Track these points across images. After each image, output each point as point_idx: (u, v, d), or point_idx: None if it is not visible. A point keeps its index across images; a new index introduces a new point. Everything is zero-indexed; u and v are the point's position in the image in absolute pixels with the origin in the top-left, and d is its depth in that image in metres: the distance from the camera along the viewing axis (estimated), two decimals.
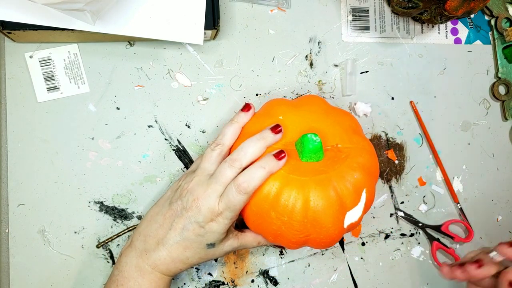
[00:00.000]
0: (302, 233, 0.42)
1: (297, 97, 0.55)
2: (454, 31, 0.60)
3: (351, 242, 0.55)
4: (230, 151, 0.45)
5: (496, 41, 0.61)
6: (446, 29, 0.60)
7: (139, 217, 0.51)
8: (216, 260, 0.52)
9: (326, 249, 0.54)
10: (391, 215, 0.57)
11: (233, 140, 0.45)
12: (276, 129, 0.43)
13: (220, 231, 0.42)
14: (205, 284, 0.52)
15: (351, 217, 0.43)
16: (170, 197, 0.45)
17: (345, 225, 0.43)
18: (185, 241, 0.42)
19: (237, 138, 0.45)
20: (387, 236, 0.56)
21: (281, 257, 0.53)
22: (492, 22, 0.61)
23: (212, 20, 0.50)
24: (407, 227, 0.57)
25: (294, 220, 0.41)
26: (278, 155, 0.42)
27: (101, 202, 0.50)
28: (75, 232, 0.49)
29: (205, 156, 0.44)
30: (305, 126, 0.45)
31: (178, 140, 0.52)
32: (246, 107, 0.46)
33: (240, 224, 0.49)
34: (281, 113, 0.46)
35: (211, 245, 0.43)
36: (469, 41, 0.61)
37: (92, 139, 0.51)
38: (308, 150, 0.42)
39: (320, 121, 0.46)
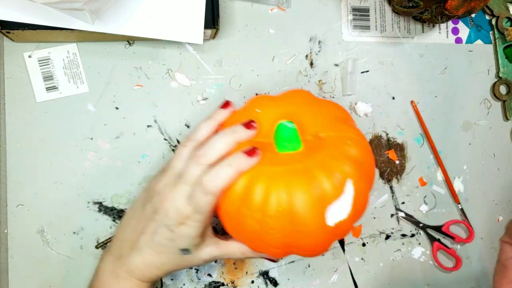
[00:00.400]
0: (279, 233, 0.37)
1: None
2: (455, 31, 0.60)
3: (351, 242, 0.55)
4: None
5: (497, 40, 0.60)
6: (447, 28, 0.60)
7: None
8: (216, 261, 0.52)
9: (327, 250, 0.54)
10: (392, 215, 0.56)
11: (206, 136, 0.42)
12: (248, 124, 0.40)
13: (191, 235, 0.39)
14: (205, 285, 0.51)
15: (336, 213, 0.37)
16: (143, 199, 0.42)
17: (331, 222, 0.37)
18: (157, 246, 0.40)
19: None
20: (387, 237, 0.56)
21: (281, 258, 0.53)
22: (493, 21, 0.60)
23: (212, 19, 0.49)
24: (408, 228, 0.56)
25: (267, 216, 0.37)
26: (250, 152, 0.38)
27: (100, 203, 0.50)
28: (74, 233, 0.49)
29: (176, 153, 0.41)
30: (283, 117, 0.41)
31: (177, 140, 0.52)
32: (225, 104, 0.43)
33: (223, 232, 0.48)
34: (259, 106, 0.42)
35: (186, 251, 0.40)
36: (470, 40, 0.60)
37: (91, 139, 0.50)
38: (282, 138, 0.39)
39: (301, 112, 0.42)
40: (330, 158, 0.38)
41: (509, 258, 0.47)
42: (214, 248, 0.42)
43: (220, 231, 0.50)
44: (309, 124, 0.41)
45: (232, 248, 0.42)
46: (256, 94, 0.54)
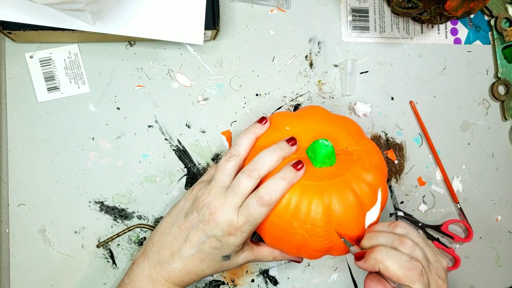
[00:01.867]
0: (326, 239, 0.41)
1: (296, 97, 0.55)
2: (454, 31, 0.60)
3: None
4: (244, 163, 0.44)
5: (495, 41, 0.61)
6: (445, 29, 0.60)
7: (139, 217, 0.51)
8: None
9: None
10: (391, 215, 0.57)
11: (248, 151, 0.44)
12: (291, 141, 0.43)
13: (237, 243, 0.41)
14: (205, 284, 0.52)
15: (370, 217, 0.43)
16: (185, 208, 0.44)
17: (366, 226, 0.43)
18: (201, 254, 0.42)
19: (251, 149, 0.45)
20: None
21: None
22: (492, 22, 0.61)
23: (212, 20, 0.50)
24: None
25: (317, 226, 0.40)
26: (297, 165, 0.41)
27: (102, 202, 0.50)
28: (75, 232, 0.50)
29: (220, 167, 0.43)
30: (313, 134, 0.45)
31: (178, 140, 0.53)
32: (263, 119, 0.45)
33: (256, 239, 0.49)
34: (287, 124, 0.46)
35: (227, 257, 0.42)
36: (468, 41, 0.61)
37: (93, 139, 0.51)
38: (321, 156, 0.42)
39: (326, 128, 0.46)
40: (363, 170, 0.43)
41: None
42: (249, 253, 0.45)
43: None
44: (337, 139, 0.45)
45: (264, 252, 0.46)
46: (256, 95, 0.55)
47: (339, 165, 0.43)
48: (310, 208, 0.40)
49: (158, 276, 0.42)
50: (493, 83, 0.60)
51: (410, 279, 0.36)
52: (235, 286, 0.52)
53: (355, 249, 0.41)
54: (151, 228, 0.51)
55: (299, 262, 0.48)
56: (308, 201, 0.40)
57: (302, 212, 0.40)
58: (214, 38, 0.54)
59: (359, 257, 0.39)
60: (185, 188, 0.52)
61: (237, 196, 0.41)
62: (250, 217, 0.40)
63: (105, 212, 0.50)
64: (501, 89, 0.61)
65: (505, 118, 0.61)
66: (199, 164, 0.53)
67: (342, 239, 0.41)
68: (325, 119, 0.47)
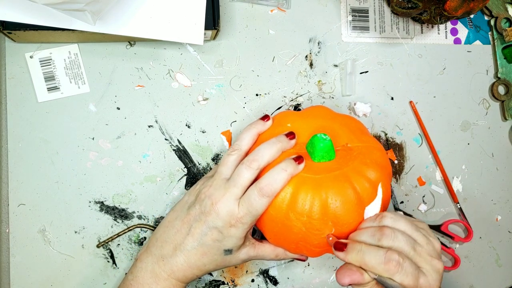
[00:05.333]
0: (324, 233, 0.41)
1: (297, 97, 0.56)
2: (454, 31, 0.60)
3: None
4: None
5: (495, 41, 0.61)
6: (445, 29, 0.60)
7: (139, 217, 0.51)
8: None
9: None
10: None
11: (250, 146, 0.45)
12: (290, 135, 0.44)
13: (239, 236, 0.41)
14: (205, 284, 0.52)
15: (370, 212, 0.42)
16: (188, 202, 0.44)
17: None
18: (203, 247, 0.42)
19: (253, 145, 0.45)
20: None
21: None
22: (492, 22, 0.61)
23: (212, 20, 0.50)
24: None
25: (314, 219, 0.41)
26: (297, 159, 0.41)
27: (102, 202, 0.50)
28: (76, 232, 0.50)
29: (222, 160, 0.44)
30: (313, 130, 0.45)
31: (178, 140, 0.53)
32: (266, 117, 0.46)
33: (259, 237, 0.49)
34: (289, 121, 0.47)
35: (228, 251, 0.43)
36: (468, 41, 0.61)
37: (93, 139, 0.51)
38: (319, 149, 0.43)
39: (327, 125, 0.46)
40: (363, 165, 0.42)
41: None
42: (251, 248, 0.45)
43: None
44: (338, 136, 0.45)
45: (267, 249, 0.46)
46: (257, 95, 0.55)
47: (338, 160, 0.44)
48: (306, 200, 0.40)
49: (161, 271, 0.42)
50: (493, 83, 0.60)
51: (389, 272, 0.36)
52: (235, 286, 0.52)
53: (334, 239, 0.40)
54: (151, 228, 0.51)
55: (303, 260, 0.48)
56: (305, 193, 0.41)
57: (298, 204, 0.41)
58: (214, 38, 0.54)
59: (338, 248, 0.39)
60: (185, 188, 0.52)
61: (237, 187, 0.41)
62: (251, 208, 0.40)
63: (105, 212, 0.50)
64: (501, 89, 0.61)
65: (505, 118, 0.61)
66: (199, 164, 0.53)
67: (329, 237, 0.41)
68: (327, 117, 0.47)
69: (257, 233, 0.53)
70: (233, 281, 0.52)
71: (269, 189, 0.40)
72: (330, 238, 0.41)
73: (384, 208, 0.44)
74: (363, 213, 0.42)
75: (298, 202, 0.41)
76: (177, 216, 0.44)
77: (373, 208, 0.42)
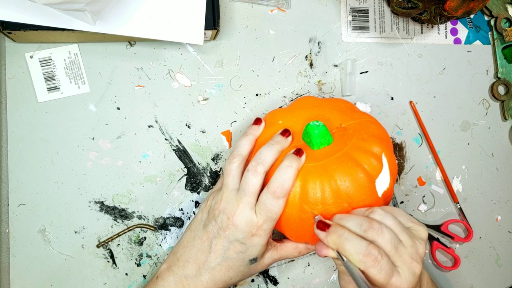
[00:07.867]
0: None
1: (297, 97, 0.56)
2: (454, 31, 0.60)
3: None
4: (246, 164, 0.44)
5: (495, 41, 0.61)
6: (445, 29, 0.60)
7: (139, 217, 0.51)
8: None
9: None
10: None
11: (249, 151, 0.45)
12: (285, 133, 0.44)
13: (262, 243, 0.42)
14: None
15: (381, 184, 0.42)
16: (203, 219, 0.44)
17: (380, 194, 0.42)
18: (227, 261, 0.42)
19: (252, 150, 0.45)
20: None
21: None
22: (492, 22, 0.61)
23: (212, 20, 0.50)
24: None
25: (328, 204, 0.41)
26: (297, 152, 0.42)
27: (102, 202, 0.50)
28: (76, 232, 0.50)
29: (226, 170, 0.43)
30: (304, 121, 0.46)
31: (178, 140, 0.53)
32: (258, 121, 0.46)
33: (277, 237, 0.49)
34: (279, 119, 0.47)
35: (254, 260, 0.42)
36: (468, 41, 0.61)
37: (93, 139, 0.51)
38: (315, 137, 0.43)
39: (317, 112, 0.47)
40: (361, 141, 0.43)
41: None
42: (274, 251, 0.45)
43: None
44: (330, 119, 0.46)
45: (289, 248, 0.46)
46: (256, 95, 0.55)
47: (336, 142, 0.44)
48: (316, 188, 0.41)
49: None
50: (493, 83, 0.60)
51: (365, 265, 0.36)
52: (235, 286, 0.52)
53: (319, 217, 0.40)
54: (151, 228, 0.51)
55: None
56: (313, 182, 0.41)
57: (309, 194, 0.41)
58: (214, 38, 0.54)
59: (320, 227, 0.39)
60: (185, 188, 0.52)
61: (249, 195, 0.41)
62: (269, 213, 0.40)
63: (105, 212, 0.50)
64: (501, 89, 0.61)
65: (505, 118, 0.61)
66: (199, 164, 0.53)
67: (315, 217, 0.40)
68: (314, 105, 0.48)
69: (274, 234, 0.52)
70: None
71: (282, 189, 0.40)
72: (316, 217, 0.40)
73: (393, 177, 0.44)
74: (375, 187, 0.42)
75: (309, 192, 0.41)
76: (195, 235, 0.44)
77: (382, 179, 0.42)
